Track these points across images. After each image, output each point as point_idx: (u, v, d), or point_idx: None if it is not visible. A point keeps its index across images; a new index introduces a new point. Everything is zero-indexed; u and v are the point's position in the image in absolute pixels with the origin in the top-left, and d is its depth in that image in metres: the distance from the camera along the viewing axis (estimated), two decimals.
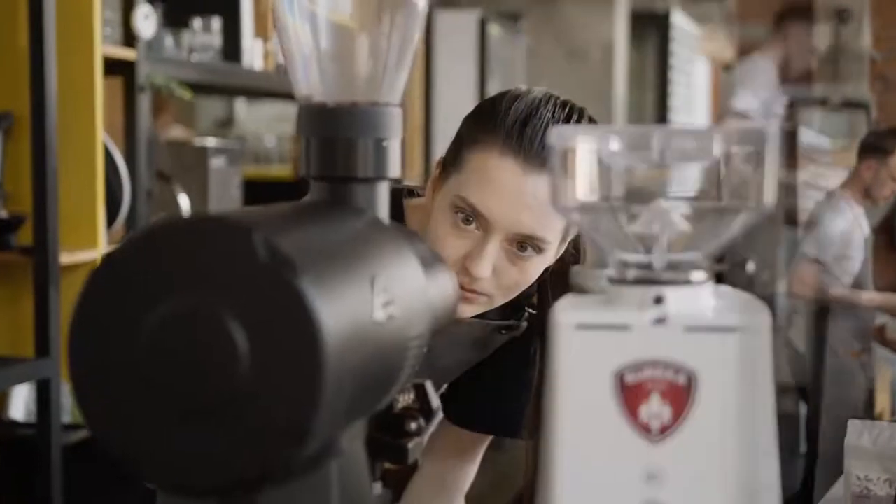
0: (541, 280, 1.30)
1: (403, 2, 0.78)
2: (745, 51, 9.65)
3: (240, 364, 0.57)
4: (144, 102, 2.53)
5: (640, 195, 0.68)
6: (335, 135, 0.74)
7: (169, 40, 2.76)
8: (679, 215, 0.67)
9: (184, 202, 2.78)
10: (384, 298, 0.66)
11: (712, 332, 0.63)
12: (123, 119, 2.53)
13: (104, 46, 2.39)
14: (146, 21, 2.49)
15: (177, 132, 4.34)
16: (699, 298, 0.65)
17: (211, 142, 3.01)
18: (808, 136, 7.06)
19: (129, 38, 2.51)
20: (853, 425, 1.98)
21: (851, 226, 4.30)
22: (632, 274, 0.66)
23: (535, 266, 1.24)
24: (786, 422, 4.17)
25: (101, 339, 0.59)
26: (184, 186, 2.86)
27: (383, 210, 0.76)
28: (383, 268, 0.67)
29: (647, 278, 0.66)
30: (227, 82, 3.07)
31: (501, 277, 1.23)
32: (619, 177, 0.67)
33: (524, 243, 1.22)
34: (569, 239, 1.29)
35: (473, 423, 1.49)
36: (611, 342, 0.64)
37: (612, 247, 0.67)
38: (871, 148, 4.40)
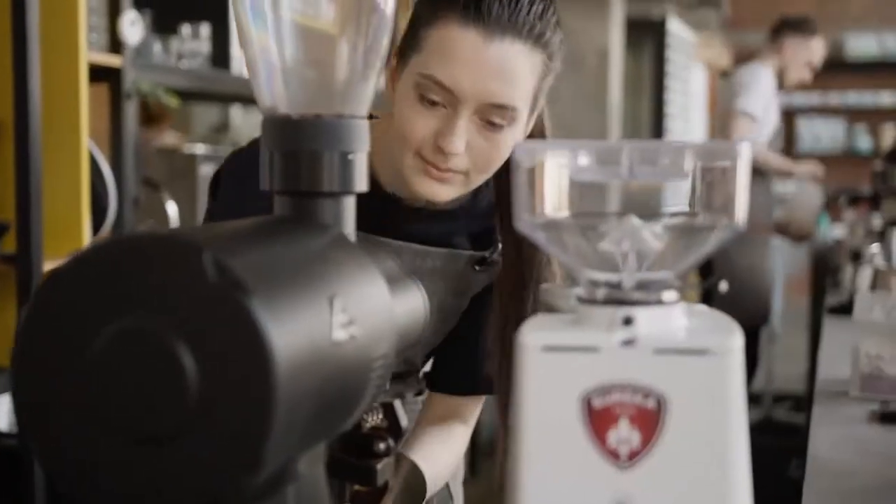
0: (497, 176, 1.28)
1: (370, 9, 0.76)
2: (741, 58, 9.66)
3: (188, 388, 0.54)
4: (131, 109, 2.51)
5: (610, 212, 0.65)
6: (299, 148, 0.72)
7: (157, 46, 2.74)
8: (650, 233, 0.65)
9: (171, 210, 2.76)
10: (344, 318, 0.63)
11: (682, 354, 0.61)
12: (110, 126, 2.50)
13: (90, 53, 2.36)
14: (132, 27, 2.47)
15: (170, 138, 4.32)
16: (670, 319, 0.63)
17: (200, 149, 2.99)
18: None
19: (116, 45, 2.48)
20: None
21: (771, 91, 4.32)
22: (601, 293, 0.64)
23: (507, 139, 1.22)
24: None
25: (45, 361, 0.56)
26: (173, 194, 2.83)
27: (349, 225, 0.74)
28: (344, 286, 0.65)
29: (617, 298, 0.63)
30: (215, 89, 3.05)
31: (475, 153, 1.21)
32: (588, 193, 0.65)
33: (494, 115, 1.20)
34: (537, 111, 1.27)
35: (456, 387, 1.46)
36: (578, 364, 0.62)
37: (582, 265, 0.65)
38: (794, 28, 4.41)
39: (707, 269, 3.78)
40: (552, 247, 0.66)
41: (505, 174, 1.28)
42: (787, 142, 9.92)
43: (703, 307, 0.69)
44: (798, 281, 6.52)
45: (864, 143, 9.76)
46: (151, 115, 4.00)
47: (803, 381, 5.21)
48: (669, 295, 0.64)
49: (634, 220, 0.65)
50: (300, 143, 0.72)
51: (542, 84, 1.24)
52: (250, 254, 0.59)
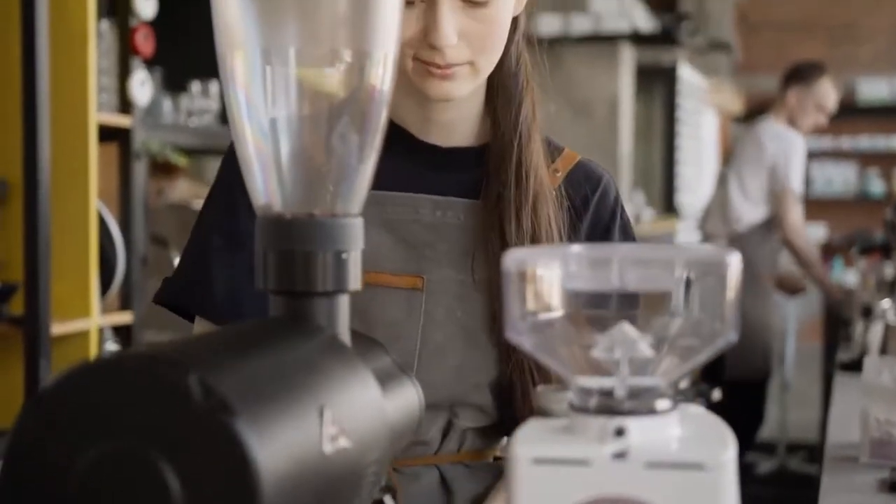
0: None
1: (365, 105, 0.76)
2: (752, 102, 9.67)
3: None
4: (140, 169, 2.52)
5: (601, 318, 0.65)
6: (293, 248, 0.72)
7: (167, 104, 2.76)
8: (643, 340, 0.64)
9: None
10: (335, 429, 0.63)
11: (675, 468, 0.60)
12: (119, 185, 2.52)
13: (100, 114, 2.38)
14: (142, 88, 2.48)
15: (183, 188, 4.33)
16: (663, 429, 0.63)
17: None
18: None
19: (126, 105, 2.50)
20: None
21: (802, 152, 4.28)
22: (593, 402, 0.63)
23: (500, 12, 1.15)
24: None
25: (31, 483, 0.56)
26: (182, 249, 2.83)
27: (343, 324, 0.74)
28: (335, 394, 0.64)
29: (609, 407, 0.63)
30: (225, 146, 3.06)
31: (471, 38, 1.14)
32: (578, 300, 0.64)
33: None
34: None
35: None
36: (569, 477, 0.61)
37: (573, 372, 0.65)
38: (797, 76, 4.38)
39: None
40: (542, 354, 0.66)
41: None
42: None
43: (698, 409, 0.68)
44: (811, 326, 6.49)
45: (876, 186, 9.75)
46: (164, 166, 4.02)
47: (817, 430, 5.16)
48: (662, 403, 0.63)
49: (626, 328, 0.64)
50: (294, 243, 0.72)
51: None
52: (236, 370, 0.58)
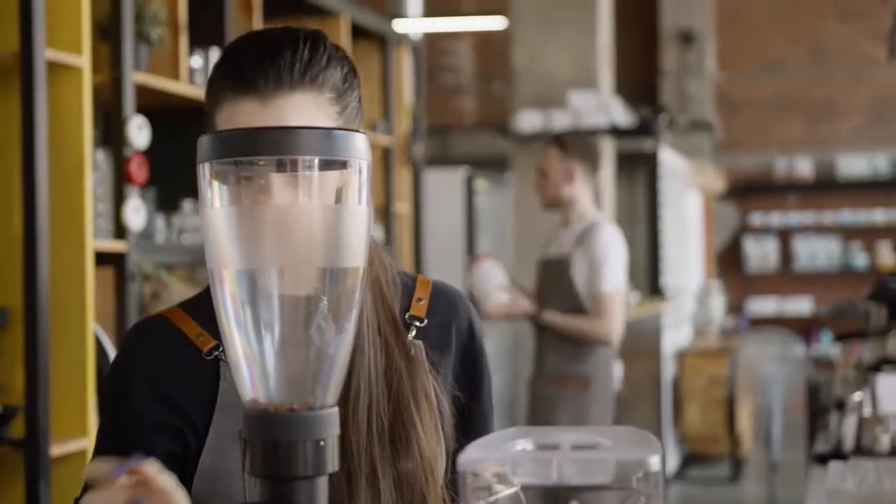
0: None
1: (337, 311, 0.86)
2: (735, 180, 9.83)
3: None
4: (134, 291, 2.62)
5: None
6: (277, 439, 0.83)
7: (160, 223, 2.87)
8: None
9: None
10: None
11: None
12: (115, 307, 2.61)
13: (96, 240, 2.49)
14: (136, 214, 2.60)
15: (178, 292, 4.41)
16: None
17: None
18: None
19: (120, 230, 2.61)
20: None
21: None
22: None
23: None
24: None
25: None
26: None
27: (322, 502, 0.84)
28: None
29: None
30: None
31: None
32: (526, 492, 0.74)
33: None
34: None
35: None
36: None
37: None
38: None
39: None
40: None
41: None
42: (784, 261, 10.08)
43: None
44: (798, 401, 6.54)
45: (859, 260, 9.89)
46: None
47: None
48: None
49: None
50: (277, 434, 0.83)
51: (342, 116, 1.22)
52: None
